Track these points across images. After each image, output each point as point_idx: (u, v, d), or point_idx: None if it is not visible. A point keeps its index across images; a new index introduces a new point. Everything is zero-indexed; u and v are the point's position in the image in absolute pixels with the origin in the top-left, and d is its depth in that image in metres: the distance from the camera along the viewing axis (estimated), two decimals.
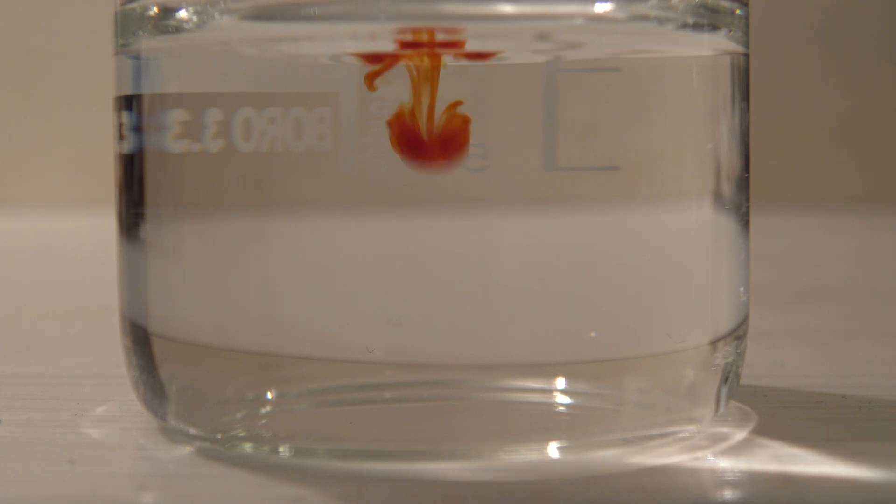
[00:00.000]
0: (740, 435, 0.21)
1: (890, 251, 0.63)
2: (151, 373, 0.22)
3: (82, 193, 0.88)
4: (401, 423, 0.21)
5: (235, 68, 0.21)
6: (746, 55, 0.22)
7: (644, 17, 0.21)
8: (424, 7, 0.20)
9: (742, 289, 0.22)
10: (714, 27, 0.21)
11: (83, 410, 0.24)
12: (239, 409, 0.21)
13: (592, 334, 0.21)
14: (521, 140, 0.20)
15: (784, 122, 0.90)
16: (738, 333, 0.22)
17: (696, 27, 0.21)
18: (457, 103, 0.20)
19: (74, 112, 0.90)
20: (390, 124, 0.20)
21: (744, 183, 0.22)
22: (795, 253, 0.60)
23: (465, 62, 0.20)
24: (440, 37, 0.20)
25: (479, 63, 0.20)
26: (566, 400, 0.21)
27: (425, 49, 0.20)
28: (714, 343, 0.22)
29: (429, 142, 0.20)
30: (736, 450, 0.21)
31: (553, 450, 0.20)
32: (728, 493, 0.19)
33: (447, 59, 0.20)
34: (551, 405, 0.21)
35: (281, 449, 0.20)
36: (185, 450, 0.21)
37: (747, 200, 0.22)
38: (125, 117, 0.22)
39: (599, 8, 0.20)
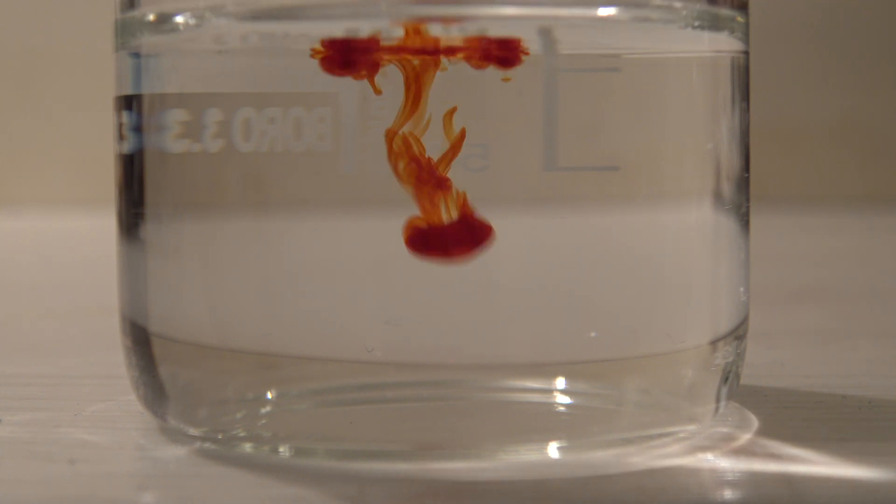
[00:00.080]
0: (740, 435, 0.21)
1: (890, 251, 0.63)
2: (151, 373, 0.22)
3: (82, 193, 0.88)
4: (401, 423, 0.21)
5: (235, 68, 0.21)
6: (746, 53, 0.22)
7: (646, 19, 0.21)
8: (425, 8, 0.20)
9: (742, 289, 0.22)
10: (715, 27, 0.21)
11: (83, 410, 0.24)
12: (239, 409, 0.21)
13: (592, 334, 0.21)
14: (520, 140, 0.20)
15: (784, 122, 0.90)
16: (738, 333, 0.22)
17: (696, 26, 0.21)
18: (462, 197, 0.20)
19: (74, 112, 0.90)
20: (406, 229, 0.20)
21: (744, 183, 0.22)
22: (795, 253, 0.60)
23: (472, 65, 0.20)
24: (439, 34, 0.20)
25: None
26: (566, 400, 0.21)
27: (420, 49, 0.20)
28: (714, 343, 0.22)
29: (444, 230, 0.20)
30: (736, 450, 0.21)
31: (553, 450, 0.20)
32: (728, 493, 0.19)
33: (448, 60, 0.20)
34: (551, 405, 0.21)
35: (281, 449, 0.20)
36: (185, 450, 0.21)
37: (747, 200, 0.22)
38: (125, 117, 0.22)
39: (602, 11, 0.20)
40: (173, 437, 0.21)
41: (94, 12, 0.84)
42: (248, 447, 0.21)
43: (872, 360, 0.30)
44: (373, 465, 0.20)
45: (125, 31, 0.22)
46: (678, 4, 0.21)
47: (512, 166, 0.20)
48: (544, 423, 0.21)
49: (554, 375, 0.21)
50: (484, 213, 0.21)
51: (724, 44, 0.22)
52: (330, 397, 0.22)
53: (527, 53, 0.20)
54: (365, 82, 0.20)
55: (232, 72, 0.21)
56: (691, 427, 0.21)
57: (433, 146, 0.20)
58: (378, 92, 0.20)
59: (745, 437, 0.21)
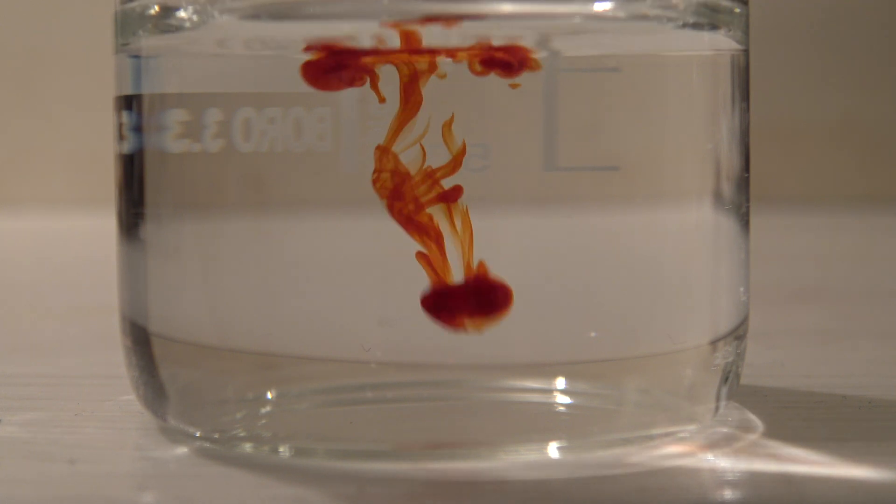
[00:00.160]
0: (740, 435, 0.21)
1: (890, 251, 0.63)
2: (151, 373, 0.22)
3: (82, 193, 0.88)
4: (401, 423, 0.21)
5: (235, 68, 0.21)
6: (746, 53, 0.22)
7: (644, 17, 0.21)
8: (425, 7, 0.20)
9: (742, 289, 0.22)
10: (714, 26, 0.21)
11: (83, 410, 0.24)
12: (239, 409, 0.21)
13: (592, 334, 0.21)
14: (521, 140, 0.20)
15: (784, 122, 0.90)
16: (738, 333, 0.22)
17: (696, 26, 0.21)
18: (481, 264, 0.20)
19: (74, 112, 0.90)
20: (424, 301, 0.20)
21: (744, 183, 0.22)
22: (795, 253, 0.60)
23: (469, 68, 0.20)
24: (435, 33, 0.20)
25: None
26: (566, 400, 0.21)
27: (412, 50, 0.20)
28: (714, 343, 0.22)
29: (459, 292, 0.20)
30: (736, 450, 0.21)
31: (553, 450, 0.20)
32: (728, 493, 0.19)
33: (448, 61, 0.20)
34: (551, 405, 0.21)
35: (281, 449, 0.20)
36: (185, 450, 0.21)
37: (747, 200, 0.22)
38: (125, 117, 0.22)
39: (599, 7, 0.20)
40: (173, 437, 0.21)
41: (94, 12, 0.84)
42: (248, 447, 0.21)
43: (872, 360, 0.30)
44: (373, 465, 0.20)
45: (125, 26, 0.22)
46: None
47: (512, 166, 0.20)
48: (544, 423, 0.21)
49: (554, 375, 0.21)
50: (484, 213, 0.21)
51: (724, 43, 0.22)
52: (330, 397, 0.22)
53: (535, 66, 0.20)
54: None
55: (232, 72, 0.21)
56: (691, 427, 0.21)
57: (432, 154, 0.20)
58: (382, 100, 0.20)
59: (745, 437, 0.21)
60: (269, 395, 0.21)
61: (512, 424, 0.21)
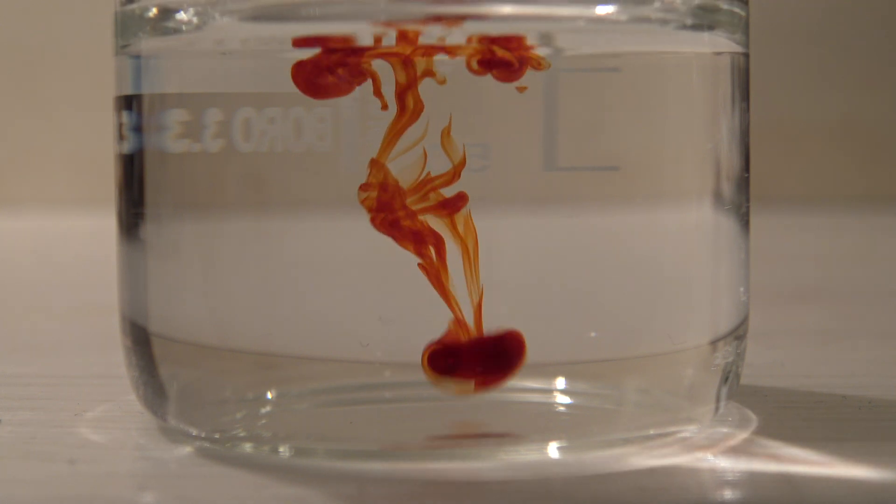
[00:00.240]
0: (740, 435, 0.21)
1: (890, 251, 0.63)
2: (151, 373, 0.22)
3: (82, 193, 0.88)
4: (401, 423, 0.21)
5: (235, 68, 0.21)
6: (746, 55, 0.22)
7: (645, 19, 0.21)
8: (427, 8, 0.20)
9: (742, 289, 0.22)
10: (713, 27, 0.21)
11: (83, 410, 0.24)
12: (239, 409, 0.21)
13: (592, 334, 0.21)
14: (521, 140, 0.20)
15: (784, 122, 0.90)
16: (738, 333, 0.22)
17: (696, 27, 0.21)
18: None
19: (74, 112, 0.90)
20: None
21: (744, 183, 0.22)
22: (795, 253, 0.60)
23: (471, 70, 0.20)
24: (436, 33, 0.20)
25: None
26: (566, 400, 0.21)
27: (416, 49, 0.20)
28: (714, 343, 0.22)
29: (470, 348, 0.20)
30: (736, 450, 0.21)
31: (553, 450, 0.20)
32: (728, 493, 0.19)
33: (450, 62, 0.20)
34: (551, 405, 0.21)
35: (281, 449, 0.20)
36: (185, 450, 0.21)
37: (747, 200, 0.22)
38: (125, 117, 0.22)
39: (601, 10, 0.20)
40: (173, 437, 0.21)
41: (94, 12, 0.84)
42: (248, 447, 0.21)
43: (872, 360, 0.30)
44: (373, 465, 0.20)
45: (125, 27, 0.22)
46: (676, 1, 0.21)
47: (512, 166, 0.20)
48: (544, 423, 0.21)
49: (554, 375, 0.21)
50: (484, 213, 0.21)
51: (724, 44, 0.22)
52: (330, 397, 0.22)
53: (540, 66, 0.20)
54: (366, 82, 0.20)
55: (232, 72, 0.21)
56: (691, 427, 0.21)
57: (431, 155, 0.20)
58: (385, 106, 0.20)
59: (744, 437, 0.21)
60: (269, 395, 0.21)
61: (512, 424, 0.21)
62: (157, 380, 0.22)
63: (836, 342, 0.33)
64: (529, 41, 0.20)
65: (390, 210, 0.20)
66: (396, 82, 0.20)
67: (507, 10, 0.20)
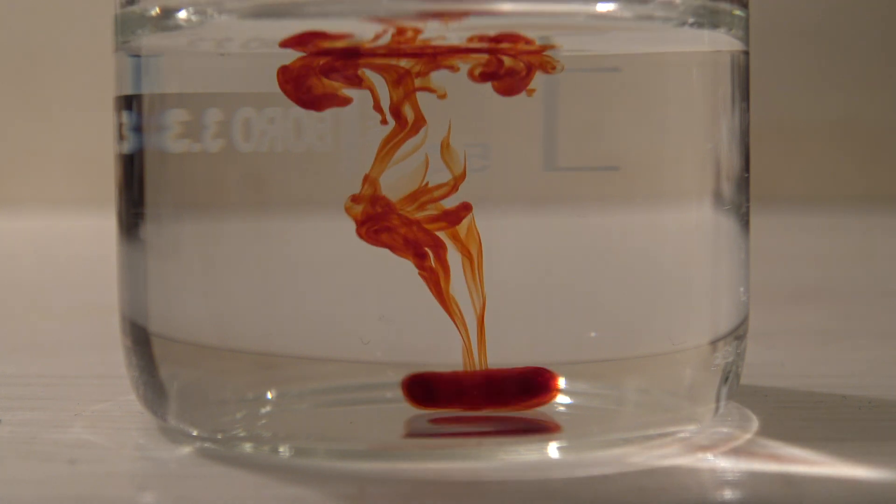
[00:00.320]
0: (740, 435, 0.21)
1: (890, 251, 0.63)
2: (151, 373, 0.22)
3: (82, 193, 0.88)
4: (400, 423, 0.21)
5: (235, 68, 0.21)
6: (746, 53, 0.22)
7: (646, 16, 0.21)
8: (424, 5, 0.20)
9: (742, 289, 0.22)
10: (714, 25, 0.21)
11: (83, 410, 0.24)
12: (239, 409, 0.21)
13: (592, 334, 0.21)
14: (521, 140, 0.20)
15: (784, 122, 0.90)
16: (738, 333, 0.22)
17: (696, 25, 0.21)
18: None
19: (74, 112, 0.90)
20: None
21: (744, 183, 0.22)
22: (795, 253, 0.60)
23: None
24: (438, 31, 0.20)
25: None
26: (566, 400, 0.21)
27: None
28: (714, 343, 0.22)
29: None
30: (736, 450, 0.21)
31: (553, 450, 0.20)
32: (728, 493, 0.19)
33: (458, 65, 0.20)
34: (551, 405, 0.21)
35: (281, 449, 0.20)
36: (185, 450, 0.21)
37: (747, 200, 0.22)
38: (125, 117, 0.22)
39: (601, 7, 0.20)
40: (173, 437, 0.21)
41: (94, 12, 0.84)
42: (248, 447, 0.21)
43: (872, 360, 0.30)
44: (373, 465, 0.20)
45: (125, 28, 0.22)
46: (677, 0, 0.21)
47: (512, 166, 0.20)
48: (544, 422, 0.21)
49: None
50: (484, 213, 0.21)
51: (724, 43, 0.22)
52: (330, 397, 0.22)
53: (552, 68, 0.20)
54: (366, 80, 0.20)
55: (232, 72, 0.21)
56: (691, 427, 0.21)
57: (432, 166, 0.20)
58: (385, 122, 0.20)
59: (744, 438, 0.21)
60: (269, 395, 0.21)
61: (512, 424, 0.21)
62: (157, 380, 0.22)
63: (836, 342, 0.33)
64: (534, 43, 0.20)
65: (376, 221, 0.20)
66: (390, 99, 0.20)
67: (506, 7, 0.20)
